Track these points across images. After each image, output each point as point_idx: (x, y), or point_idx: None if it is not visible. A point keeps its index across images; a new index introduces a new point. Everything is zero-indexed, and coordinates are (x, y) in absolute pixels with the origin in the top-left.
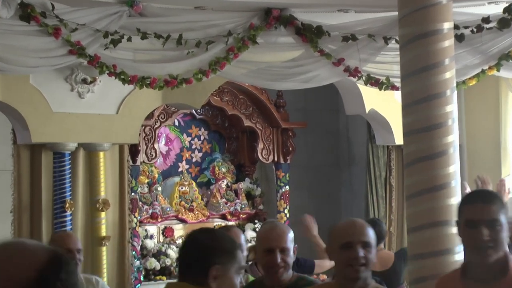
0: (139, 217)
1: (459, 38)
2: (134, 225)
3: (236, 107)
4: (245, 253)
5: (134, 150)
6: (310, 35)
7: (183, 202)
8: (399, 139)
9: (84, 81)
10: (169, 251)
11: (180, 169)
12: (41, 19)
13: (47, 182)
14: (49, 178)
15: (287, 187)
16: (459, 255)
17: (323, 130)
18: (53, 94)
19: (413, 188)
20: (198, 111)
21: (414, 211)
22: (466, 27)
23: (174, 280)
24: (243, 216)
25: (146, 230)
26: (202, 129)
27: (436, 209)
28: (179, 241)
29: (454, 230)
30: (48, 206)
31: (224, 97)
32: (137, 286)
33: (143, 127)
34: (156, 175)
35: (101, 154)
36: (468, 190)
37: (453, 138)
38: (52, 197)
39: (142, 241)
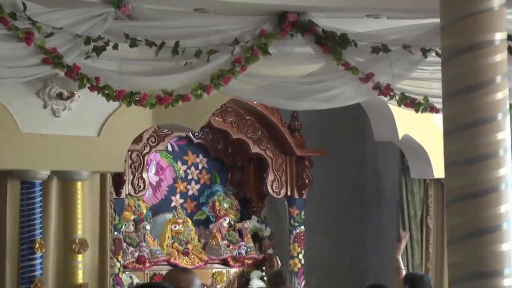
0: (123, 261)
1: None
2: (117, 270)
3: (241, 130)
4: None
5: (118, 180)
6: (333, 44)
7: (176, 244)
8: (438, 172)
9: (59, 96)
10: None
11: (173, 204)
12: (10, 21)
13: (12, 217)
14: (15, 213)
15: (302, 227)
16: None
17: (347, 159)
18: (21, 111)
19: (456, 231)
20: (196, 134)
21: (457, 259)
22: None
23: None
24: (249, 262)
25: (131, 277)
26: (201, 156)
27: (484, 256)
28: None
29: (507, 282)
30: (13, 246)
31: (227, 117)
32: None
33: (130, 153)
34: (144, 211)
35: (79, 184)
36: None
37: (505, 172)
38: (18, 235)
39: None
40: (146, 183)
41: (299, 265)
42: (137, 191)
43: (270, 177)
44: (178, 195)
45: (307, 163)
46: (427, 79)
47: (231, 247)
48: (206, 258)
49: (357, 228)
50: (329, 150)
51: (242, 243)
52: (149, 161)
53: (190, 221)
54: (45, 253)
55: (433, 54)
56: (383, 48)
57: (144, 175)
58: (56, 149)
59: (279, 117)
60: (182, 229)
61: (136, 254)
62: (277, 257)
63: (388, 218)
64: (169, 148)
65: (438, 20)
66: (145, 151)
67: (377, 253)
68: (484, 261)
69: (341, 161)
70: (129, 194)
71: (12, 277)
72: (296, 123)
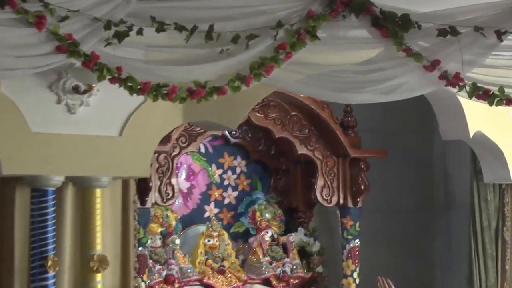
0: (148, 281)
1: None
2: None
3: (286, 128)
4: None
5: (143, 187)
6: (392, 27)
7: (210, 261)
8: None
9: (75, 90)
10: None
11: (207, 214)
12: (19, 3)
13: (22, 230)
14: (25, 225)
15: (358, 240)
16: None
17: (409, 161)
18: (32, 108)
19: None
20: (234, 133)
21: None
22: None
23: None
24: (295, 282)
25: None
26: (239, 158)
27: None
28: None
29: None
30: (22, 264)
31: (270, 113)
32: None
33: (157, 155)
34: (174, 223)
35: (98, 192)
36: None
37: None
38: (28, 252)
39: None
40: (176, 190)
41: (353, 286)
42: (165, 200)
43: (320, 182)
44: (212, 204)
45: (363, 166)
46: (503, 66)
47: (274, 264)
48: (245, 278)
49: (423, 241)
50: (389, 151)
51: (287, 259)
52: (179, 165)
53: (226, 234)
54: (59, 272)
55: (510, 37)
56: (452, 30)
57: (173, 181)
58: (72, 151)
59: (330, 112)
60: (217, 243)
61: (164, 273)
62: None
63: (459, 228)
64: (202, 150)
65: None
66: (174, 153)
67: (446, 268)
68: None
69: (403, 164)
70: (156, 203)
71: None
72: (350, 119)
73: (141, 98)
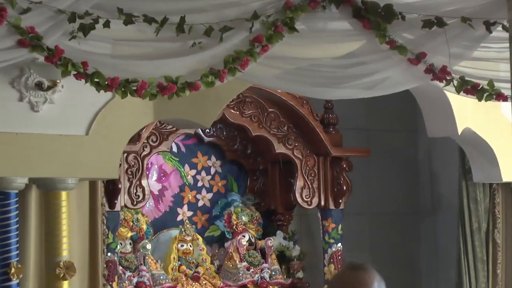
0: None
1: None
2: None
3: (263, 126)
4: None
5: (112, 189)
6: (375, 18)
7: (184, 267)
8: (508, 174)
9: (38, 86)
10: None
11: (179, 218)
12: None
13: None
14: None
15: (340, 244)
16: None
17: (394, 160)
18: None
19: None
20: (207, 131)
21: None
22: None
23: None
24: None
25: None
26: (213, 158)
27: None
28: None
29: None
30: None
31: (246, 110)
32: None
33: (126, 155)
34: (144, 227)
35: (64, 194)
36: None
37: None
38: None
39: None
40: (146, 193)
41: None
42: (135, 202)
43: (299, 183)
44: (185, 207)
45: (345, 166)
46: (493, 59)
47: (251, 270)
48: (221, 285)
49: (408, 245)
50: (372, 149)
51: (265, 265)
52: (149, 165)
53: (201, 239)
54: (23, 280)
55: (500, 28)
56: (438, 21)
57: (144, 182)
58: (35, 151)
59: (310, 108)
60: (191, 248)
61: (135, 280)
62: None
63: (446, 231)
64: (174, 149)
65: None
66: (144, 153)
67: (432, 274)
68: None
69: (387, 163)
70: (126, 206)
71: None
72: (331, 116)
73: (108, 94)
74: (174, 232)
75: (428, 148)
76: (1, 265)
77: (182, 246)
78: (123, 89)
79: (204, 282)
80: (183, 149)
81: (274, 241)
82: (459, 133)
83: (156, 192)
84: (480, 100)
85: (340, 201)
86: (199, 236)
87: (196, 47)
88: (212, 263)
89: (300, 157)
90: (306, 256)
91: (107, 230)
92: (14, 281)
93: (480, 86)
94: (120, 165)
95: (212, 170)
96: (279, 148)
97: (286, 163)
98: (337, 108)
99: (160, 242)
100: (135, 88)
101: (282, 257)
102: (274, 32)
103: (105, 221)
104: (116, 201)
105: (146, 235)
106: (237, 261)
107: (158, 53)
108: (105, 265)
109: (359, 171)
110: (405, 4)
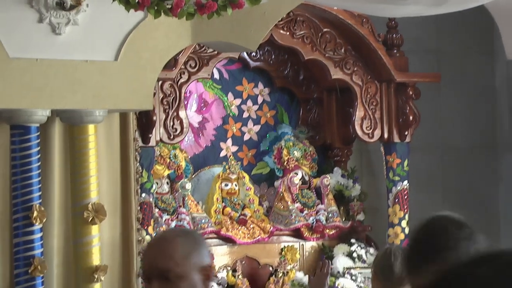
0: (154, 234)
1: None
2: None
3: (318, 48)
4: None
5: (145, 121)
6: None
7: (228, 209)
8: None
9: (60, 5)
10: None
11: (223, 154)
12: None
13: (1, 176)
14: (4, 170)
15: (406, 182)
16: None
17: (468, 86)
18: (9, 28)
19: None
20: (254, 55)
21: None
22: None
23: None
24: (331, 233)
25: None
26: (260, 86)
27: None
28: (223, 275)
29: None
30: (3, 216)
31: (297, 31)
32: None
33: (160, 83)
34: (183, 164)
35: (91, 128)
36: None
37: None
38: (9, 201)
39: None
40: (185, 125)
41: (402, 236)
42: (172, 137)
43: (359, 113)
44: (229, 141)
45: (411, 93)
46: None
47: (305, 212)
48: (271, 229)
49: (484, 184)
50: (442, 75)
51: (321, 206)
52: (188, 94)
53: (247, 177)
54: (47, 225)
55: None
56: None
57: (182, 113)
58: (58, 79)
59: (371, 28)
60: (237, 188)
61: (173, 224)
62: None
63: None
64: (216, 76)
65: None
66: (182, 80)
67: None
68: None
69: (460, 90)
70: (161, 140)
71: (3, 257)
72: (394, 36)
73: (140, 14)
74: (217, 169)
75: (506, 72)
76: (22, 208)
77: (226, 185)
78: (156, 8)
79: (251, 226)
80: (226, 75)
81: (331, 180)
82: None
83: (195, 125)
84: None
85: (406, 133)
86: (245, 174)
87: None
88: (260, 204)
89: (360, 83)
90: (368, 196)
91: (140, 168)
92: (37, 226)
93: None
94: (155, 94)
95: (260, 99)
96: (336, 74)
97: (343, 90)
98: (402, 27)
99: (201, 181)
100: (169, 6)
101: (340, 198)
102: None
103: (138, 158)
104: (150, 135)
105: (185, 173)
106: (288, 202)
107: None
108: (139, 208)
109: (428, 99)
110: None
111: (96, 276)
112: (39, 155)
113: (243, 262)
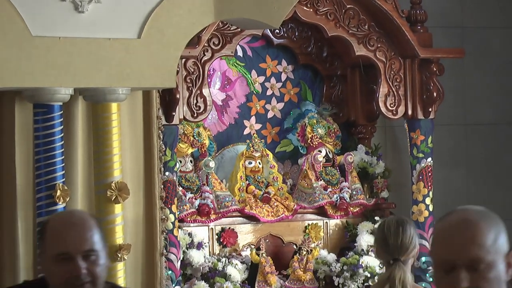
0: (178, 213)
1: None
2: (171, 225)
3: (341, 24)
4: None
5: (168, 99)
6: None
7: (252, 187)
8: None
9: None
10: (230, 270)
11: (247, 131)
12: None
13: (24, 155)
14: (27, 148)
15: (430, 159)
16: None
17: (493, 62)
18: (31, 6)
19: None
20: (277, 31)
21: None
22: None
23: None
24: (355, 211)
25: (190, 235)
26: (284, 63)
27: None
28: (247, 253)
29: None
30: (26, 195)
31: (320, 7)
32: None
33: (184, 61)
34: (207, 142)
35: (114, 106)
36: None
37: None
38: (33, 180)
39: (183, 252)
40: (208, 103)
41: (426, 213)
42: (195, 114)
43: (383, 89)
44: (253, 119)
45: (435, 69)
46: None
47: (329, 190)
48: (295, 206)
49: (509, 160)
50: (466, 50)
51: (345, 183)
52: (211, 72)
53: (271, 155)
54: (70, 204)
55: None
56: None
57: (205, 91)
58: (81, 58)
59: (394, 4)
60: (260, 166)
61: (197, 203)
62: None
63: None
64: (239, 53)
65: None
66: (205, 58)
67: None
68: None
69: (485, 65)
70: (185, 118)
71: (26, 237)
72: (418, 12)
73: None
74: (241, 147)
75: None
76: (45, 187)
77: (250, 163)
78: None
79: (275, 203)
80: (249, 52)
81: (355, 157)
82: None
83: (219, 103)
84: None
85: (430, 109)
86: (269, 152)
87: None
88: (284, 182)
89: (384, 60)
90: (392, 173)
91: (164, 146)
92: (60, 205)
93: None
94: (178, 72)
95: (283, 77)
96: (359, 50)
97: (367, 67)
98: (425, 3)
99: (225, 159)
100: None
101: (364, 175)
102: None
103: (161, 136)
104: (174, 113)
105: (208, 151)
106: (312, 180)
107: None
108: (162, 186)
109: (452, 75)
110: None
111: (119, 255)
112: (62, 134)
113: (267, 240)
